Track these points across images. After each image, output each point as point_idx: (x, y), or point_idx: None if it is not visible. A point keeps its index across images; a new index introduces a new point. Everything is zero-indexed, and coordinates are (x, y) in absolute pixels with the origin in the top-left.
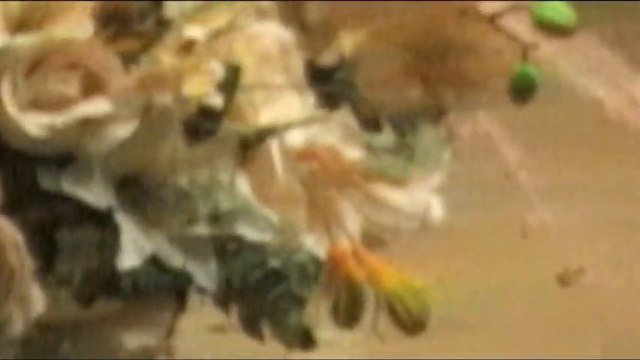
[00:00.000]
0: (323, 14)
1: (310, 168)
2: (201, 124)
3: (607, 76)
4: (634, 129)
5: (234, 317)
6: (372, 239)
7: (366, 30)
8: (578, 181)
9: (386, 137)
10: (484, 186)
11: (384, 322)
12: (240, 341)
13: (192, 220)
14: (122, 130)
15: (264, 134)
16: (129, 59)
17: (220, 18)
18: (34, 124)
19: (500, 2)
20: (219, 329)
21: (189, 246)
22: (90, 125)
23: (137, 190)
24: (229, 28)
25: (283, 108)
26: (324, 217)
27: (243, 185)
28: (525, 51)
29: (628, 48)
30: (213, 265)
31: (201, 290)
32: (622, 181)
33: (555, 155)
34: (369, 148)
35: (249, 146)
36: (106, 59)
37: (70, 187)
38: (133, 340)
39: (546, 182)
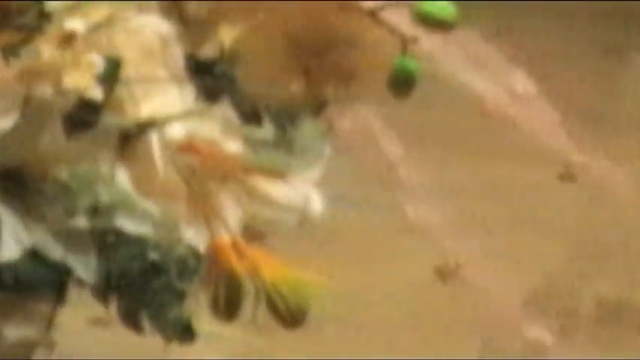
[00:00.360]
0: (203, 8)
1: (190, 161)
2: (82, 116)
3: (487, 71)
4: (513, 123)
5: (114, 310)
6: (253, 232)
7: (247, 24)
8: (457, 177)
9: (266, 131)
10: (365, 180)
11: (264, 315)
12: (122, 335)
13: (71, 213)
14: (1, 123)
15: (144, 127)
16: (9, 52)
17: (101, 11)
18: None
19: None
20: (100, 323)
21: (69, 239)
22: None
23: (17, 182)
24: (110, 22)
25: (164, 101)
26: (203, 210)
27: (123, 178)
28: (405, 45)
29: (507, 43)
30: (93, 258)
31: (81, 283)
32: (500, 177)
33: (435, 150)
34: (249, 141)
35: (130, 139)
36: None
37: None
38: (12, 332)
39: (426, 178)
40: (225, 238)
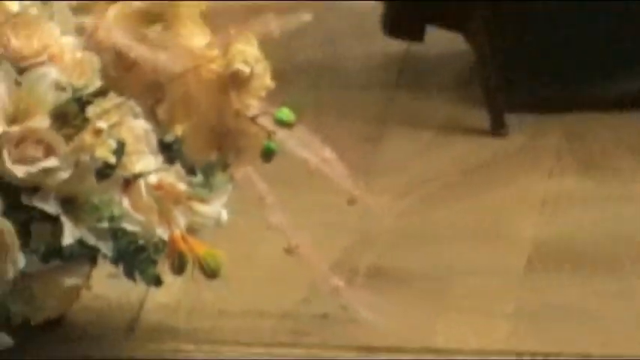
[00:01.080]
0: (166, 114)
1: (159, 194)
2: (104, 171)
3: (307, 144)
4: (322, 173)
5: (121, 269)
6: (191, 230)
7: (189, 123)
8: (290, 205)
9: (198, 178)
10: (247, 203)
11: (196, 272)
12: (125, 282)
13: (99, 220)
14: (64, 174)
15: (137, 176)
16: (69, 138)
17: (114, 117)
18: (20, 171)
19: (258, 106)
20: (113, 276)
21: (98, 233)
22: (48, 171)
23: (71, 203)
24: (119, 123)
25: (146, 163)
26: (166, 219)
27: (126, 202)
28: (269, 134)
29: (321, 129)
30: (110, 243)
31: (104, 255)
32: (313, 202)
33: (286, 188)
34: (190, 183)
35: (129, 182)
36: (56, 140)
37: (38, 202)
38: (70, 281)
39: (276, 200)
40: (177, 233)
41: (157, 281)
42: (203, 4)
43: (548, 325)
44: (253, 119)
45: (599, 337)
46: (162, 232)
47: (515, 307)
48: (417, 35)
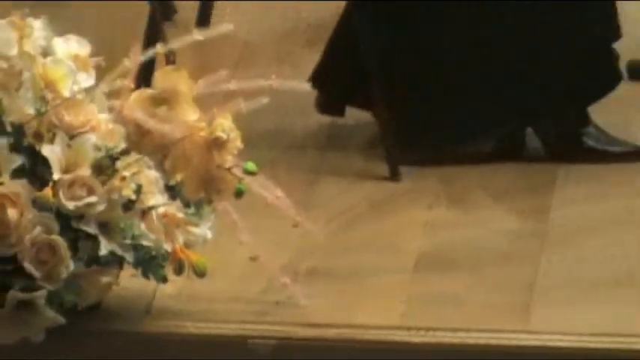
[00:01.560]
0: (169, 165)
1: (165, 221)
2: (128, 204)
3: (265, 187)
4: (280, 209)
5: (139, 272)
6: (187, 244)
7: (185, 172)
8: (255, 232)
9: (192, 210)
10: (226, 226)
11: (191, 273)
12: (143, 281)
13: (125, 238)
14: (100, 207)
15: (150, 208)
16: (104, 182)
17: (135, 168)
18: (71, 205)
19: (232, 161)
20: (135, 276)
21: (124, 247)
22: (90, 205)
23: (106, 227)
24: (138, 172)
25: (157, 199)
26: (170, 238)
27: (142, 226)
28: (240, 180)
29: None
30: (132, 253)
31: (128, 262)
32: (280, 227)
33: (250, 220)
34: (186, 213)
35: (145, 212)
36: (95, 184)
37: (83, 226)
38: (104, 279)
39: (244, 225)
40: (178, 247)
41: (164, 279)
42: (194, 92)
43: (430, 308)
44: (229, 170)
45: (467, 315)
46: (167, 246)
47: (407, 295)
48: (340, 112)
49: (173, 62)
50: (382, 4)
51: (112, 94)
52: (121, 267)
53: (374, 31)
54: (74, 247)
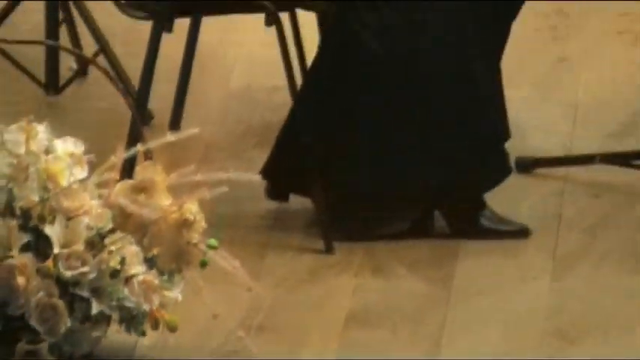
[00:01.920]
0: (148, 243)
1: (144, 286)
2: (115, 273)
3: (224, 258)
4: (236, 276)
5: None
6: (162, 305)
7: (160, 248)
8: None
9: (165, 277)
10: (193, 291)
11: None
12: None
13: (112, 300)
14: (92, 275)
15: (132, 276)
16: (95, 255)
17: (120, 244)
18: (69, 273)
19: (197, 238)
20: (120, 331)
21: (111, 307)
22: (84, 274)
23: (97, 291)
24: (122, 247)
25: (137, 269)
26: (148, 300)
27: (126, 291)
28: (204, 253)
29: None
30: (118, 313)
31: (115, 320)
32: None
33: (211, 285)
34: (161, 280)
35: (128, 279)
36: (88, 257)
37: (78, 290)
38: (96, 332)
39: (212, 296)
40: (154, 307)
41: (143, 333)
42: (167, 183)
43: (356, 357)
44: (195, 245)
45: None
46: (146, 307)
47: (338, 346)
48: (285, 198)
49: (150, 158)
50: (322, 113)
51: (101, 184)
52: (108, 323)
53: (313, 134)
54: (71, 308)
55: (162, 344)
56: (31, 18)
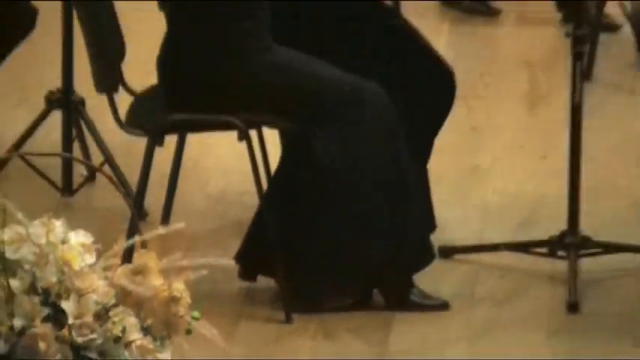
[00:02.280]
0: (144, 315)
1: (140, 349)
2: (117, 339)
3: (204, 327)
4: (214, 341)
5: None
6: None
7: (153, 319)
8: None
9: (158, 342)
10: (178, 352)
11: None
12: None
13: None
14: (99, 341)
15: (131, 341)
16: (101, 325)
17: (122, 316)
18: (80, 340)
19: (183, 311)
20: None
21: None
22: (92, 340)
23: (103, 354)
24: (123, 318)
25: (135, 335)
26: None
27: (126, 353)
28: (189, 323)
29: None
30: None
31: None
32: None
33: (195, 349)
34: (154, 344)
35: (128, 344)
36: (95, 326)
37: (88, 353)
38: None
39: None
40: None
41: None
42: (159, 267)
43: None
44: (182, 317)
45: None
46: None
47: None
48: (254, 279)
49: (145, 247)
50: (283, 213)
51: (107, 268)
52: None
53: (276, 227)
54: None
55: None
56: (50, 135)
